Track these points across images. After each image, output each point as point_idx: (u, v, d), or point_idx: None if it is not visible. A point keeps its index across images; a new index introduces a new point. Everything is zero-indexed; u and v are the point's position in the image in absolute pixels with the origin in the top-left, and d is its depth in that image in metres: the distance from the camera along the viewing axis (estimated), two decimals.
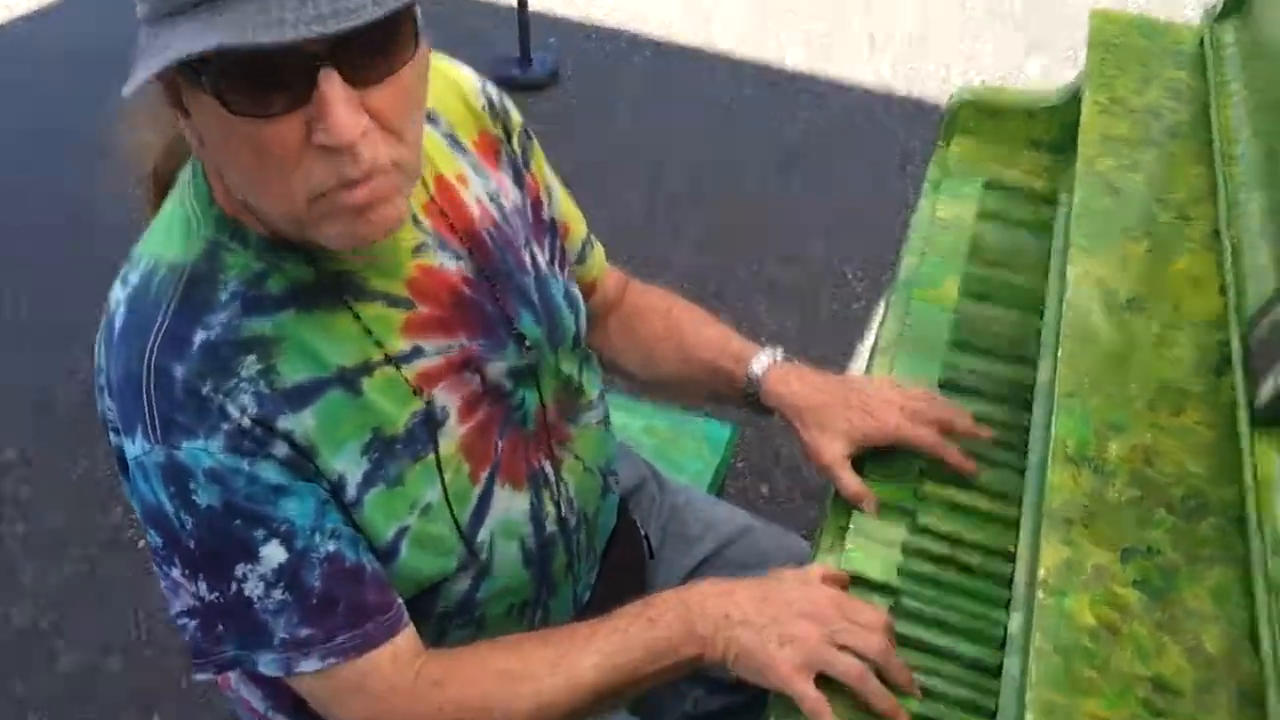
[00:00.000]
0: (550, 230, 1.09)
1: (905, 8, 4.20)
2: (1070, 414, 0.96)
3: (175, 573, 0.87)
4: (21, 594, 2.08)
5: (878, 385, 1.11)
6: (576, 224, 1.17)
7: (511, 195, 1.03)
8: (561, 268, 1.09)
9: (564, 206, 1.14)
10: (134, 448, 0.83)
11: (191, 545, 0.84)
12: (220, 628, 0.88)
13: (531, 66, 3.66)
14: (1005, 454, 1.06)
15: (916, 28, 4.05)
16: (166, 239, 0.87)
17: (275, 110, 0.71)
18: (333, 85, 0.70)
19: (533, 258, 1.03)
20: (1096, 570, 0.83)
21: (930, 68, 3.79)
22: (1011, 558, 0.95)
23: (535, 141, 1.09)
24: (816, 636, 0.86)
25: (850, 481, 1.04)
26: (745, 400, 1.16)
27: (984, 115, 1.54)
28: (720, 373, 1.16)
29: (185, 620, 0.89)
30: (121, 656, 1.97)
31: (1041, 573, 0.84)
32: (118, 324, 0.85)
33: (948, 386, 1.15)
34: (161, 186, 0.93)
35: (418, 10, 0.76)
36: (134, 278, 0.86)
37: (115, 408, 0.85)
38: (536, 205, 1.07)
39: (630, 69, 3.81)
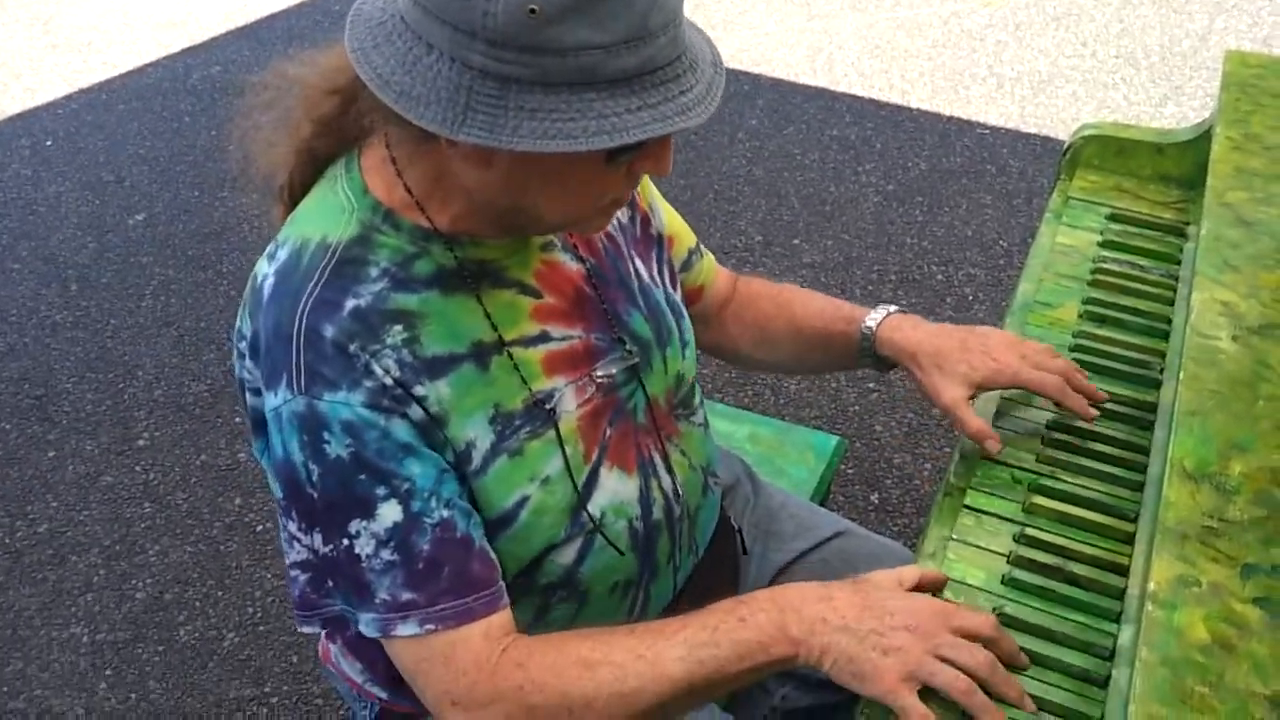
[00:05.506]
0: (657, 244, 1.16)
1: (1033, 52, 4.15)
2: (1190, 432, 0.95)
3: (293, 526, 0.93)
4: (147, 570, 2.19)
5: (998, 333, 1.12)
6: (683, 235, 1.23)
7: (621, 213, 1.11)
8: (671, 281, 1.16)
9: (669, 221, 1.21)
10: (275, 399, 0.88)
11: (314, 496, 0.89)
12: (329, 582, 0.93)
13: None
14: (1121, 471, 1.04)
15: (1045, 71, 4.01)
16: (316, 222, 0.93)
17: (627, 160, 0.85)
18: (670, 141, 0.86)
19: (636, 270, 1.10)
20: (1213, 586, 0.82)
21: (1058, 111, 3.74)
22: (1124, 571, 0.94)
23: None
24: (919, 649, 0.85)
25: (972, 420, 1.05)
26: (863, 357, 1.17)
27: (1110, 151, 1.52)
28: (835, 337, 1.19)
29: (296, 573, 0.95)
30: (237, 632, 2.06)
31: (1153, 586, 0.83)
32: (266, 291, 0.91)
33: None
34: (295, 189, 1.00)
35: None
36: (282, 254, 0.93)
37: (259, 366, 0.91)
38: (645, 221, 1.15)
39: (752, 108, 3.85)
